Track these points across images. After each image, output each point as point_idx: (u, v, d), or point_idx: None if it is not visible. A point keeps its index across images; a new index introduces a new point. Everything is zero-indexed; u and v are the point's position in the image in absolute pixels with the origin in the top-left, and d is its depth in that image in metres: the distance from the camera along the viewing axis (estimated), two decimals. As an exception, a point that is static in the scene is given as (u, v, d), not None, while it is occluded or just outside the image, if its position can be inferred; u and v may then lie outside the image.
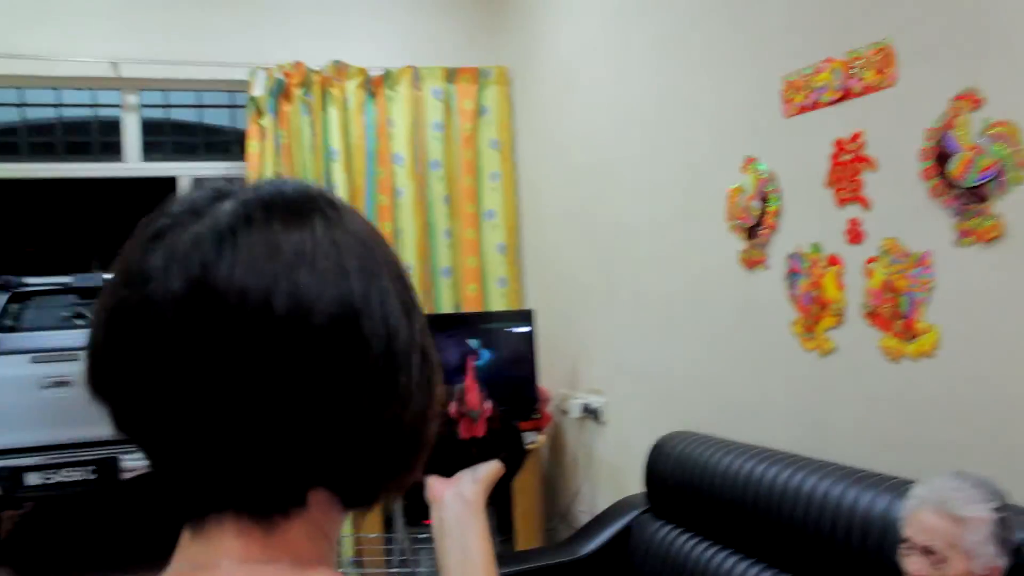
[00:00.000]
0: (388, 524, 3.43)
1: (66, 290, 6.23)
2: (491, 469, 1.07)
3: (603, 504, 3.18)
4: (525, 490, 3.37)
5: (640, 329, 3.11)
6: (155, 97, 3.87)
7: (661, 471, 2.59)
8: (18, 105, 3.59)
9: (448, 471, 1.08)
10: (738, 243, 2.56)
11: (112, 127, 3.77)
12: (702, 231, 2.72)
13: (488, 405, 1.28)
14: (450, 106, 4.02)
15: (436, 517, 1.03)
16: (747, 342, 2.54)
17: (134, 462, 4.73)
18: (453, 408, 1.26)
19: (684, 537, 2.49)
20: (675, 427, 2.75)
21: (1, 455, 4.54)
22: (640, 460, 2.70)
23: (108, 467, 4.69)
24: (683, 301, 2.84)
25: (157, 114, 3.86)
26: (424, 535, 3.37)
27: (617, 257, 3.24)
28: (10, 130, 3.63)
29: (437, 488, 1.05)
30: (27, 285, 6.06)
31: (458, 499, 1.02)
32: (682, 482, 2.48)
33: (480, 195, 4.06)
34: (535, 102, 3.93)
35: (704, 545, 2.41)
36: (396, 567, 3.33)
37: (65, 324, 6.19)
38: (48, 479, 4.59)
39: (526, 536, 3.33)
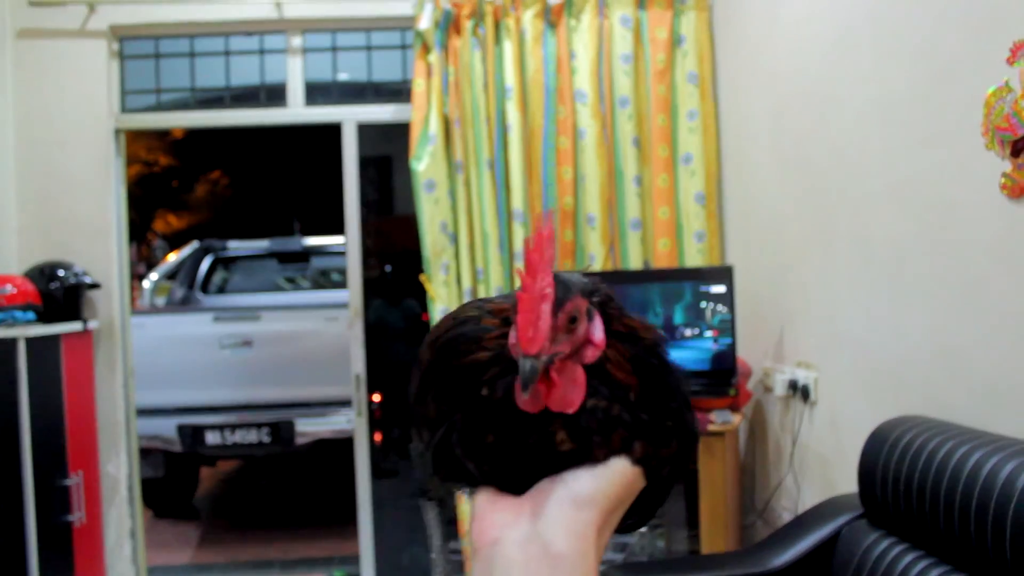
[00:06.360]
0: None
1: (267, 254, 6.40)
2: (614, 476, 0.51)
3: (810, 501, 2.61)
4: (715, 479, 2.83)
5: (863, 287, 2.47)
6: (323, 41, 3.66)
7: (881, 466, 1.97)
8: (190, 55, 3.49)
9: (513, 482, 0.52)
10: (999, 164, 1.87)
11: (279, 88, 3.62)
12: (949, 153, 2.05)
13: (595, 336, 0.53)
14: (641, 36, 3.50)
15: None
16: (1010, 299, 1.86)
17: (310, 427, 4.70)
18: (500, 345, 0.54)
19: (908, 555, 1.85)
20: (904, 410, 2.11)
21: (185, 413, 4.64)
22: (857, 450, 2.10)
23: (283, 431, 4.69)
24: (921, 248, 2.18)
25: (325, 65, 3.66)
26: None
27: (837, 200, 2.62)
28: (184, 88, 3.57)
29: (488, 523, 0.50)
30: (228, 249, 6.27)
31: (531, 549, 0.47)
32: (908, 482, 1.85)
33: (675, 137, 3.51)
34: (739, 28, 3.33)
35: (934, 567, 1.77)
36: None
37: (264, 286, 6.35)
38: (225, 439, 4.63)
39: (713, 534, 2.78)
